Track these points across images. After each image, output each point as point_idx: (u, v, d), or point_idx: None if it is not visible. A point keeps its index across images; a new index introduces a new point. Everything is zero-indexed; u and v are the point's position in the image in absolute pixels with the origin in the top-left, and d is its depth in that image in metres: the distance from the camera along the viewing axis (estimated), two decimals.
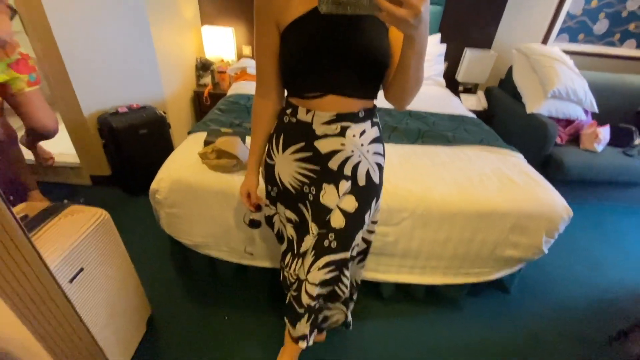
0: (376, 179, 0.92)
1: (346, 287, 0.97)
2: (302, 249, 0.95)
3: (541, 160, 2.21)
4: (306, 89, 0.82)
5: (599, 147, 2.18)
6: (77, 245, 0.91)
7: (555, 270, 1.79)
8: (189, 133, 1.57)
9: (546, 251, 1.38)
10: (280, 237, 1.09)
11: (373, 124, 0.89)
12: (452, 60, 2.83)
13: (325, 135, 0.84)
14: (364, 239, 1.02)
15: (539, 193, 1.34)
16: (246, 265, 1.44)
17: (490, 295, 1.57)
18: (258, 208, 1.06)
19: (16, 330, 0.65)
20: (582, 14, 2.66)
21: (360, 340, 1.35)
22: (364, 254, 1.07)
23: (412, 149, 1.57)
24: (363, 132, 0.86)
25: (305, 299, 0.93)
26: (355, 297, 1.16)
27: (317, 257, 0.89)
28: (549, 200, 1.32)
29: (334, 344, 1.32)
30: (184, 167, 1.28)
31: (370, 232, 1.03)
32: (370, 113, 0.88)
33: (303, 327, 0.98)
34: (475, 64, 2.67)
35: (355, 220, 0.89)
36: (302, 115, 0.85)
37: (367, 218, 0.92)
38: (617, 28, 2.72)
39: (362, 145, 0.87)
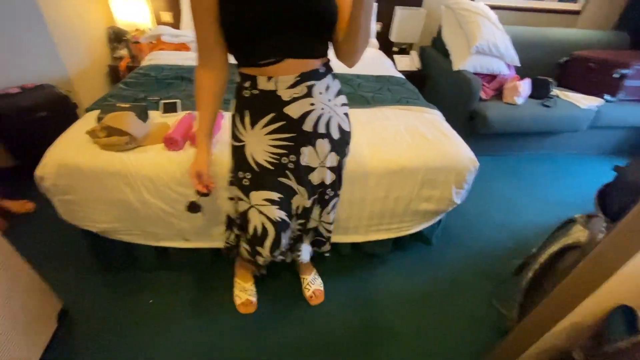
0: (347, 127, 0.99)
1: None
2: (293, 209, 1.03)
3: (467, 115, 2.30)
4: (260, 55, 0.78)
5: (519, 100, 2.29)
6: None
7: (476, 218, 1.92)
8: (86, 110, 1.42)
9: (458, 202, 1.46)
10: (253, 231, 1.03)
11: (333, 77, 0.91)
12: (386, 20, 2.78)
13: (294, 99, 0.82)
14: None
15: (448, 147, 1.38)
16: (166, 248, 1.39)
17: (414, 248, 1.66)
18: (209, 192, 0.97)
19: None
20: None
21: (287, 295, 1.37)
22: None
23: None
24: (328, 87, 0.87)
25: (327, 234, 1.21)
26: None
27: (323, 207, 1.10)
28: (456, 153, 1.36)
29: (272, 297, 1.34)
30: (71, 149, 1.16)
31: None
32: (328, 66, 0.88)
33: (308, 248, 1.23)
34: (406, 22, 2.64)
35: (340, 168, 1.03)
36: (263, 84, 0.81)
37: (345, 161, 1.05)
38: None
39: (329, 100, 0.88)
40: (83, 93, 2.13)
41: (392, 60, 2.64)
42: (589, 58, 2.49)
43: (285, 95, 0.82)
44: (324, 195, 1.05)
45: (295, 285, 1.44)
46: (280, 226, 1.00)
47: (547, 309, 0.90)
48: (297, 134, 0.88)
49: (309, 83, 0.82)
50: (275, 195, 0.95)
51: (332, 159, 0.98)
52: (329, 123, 0.91)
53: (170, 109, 1.44)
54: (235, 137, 0.93)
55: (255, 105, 0.85)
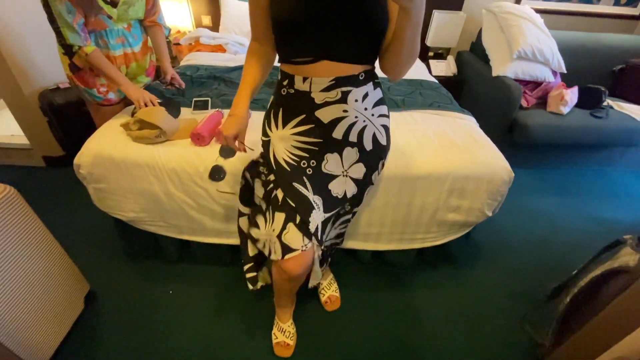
0: (383, 141, 0.92)
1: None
2: (310, 223, 0.88)
3: (507, 124, 2.16)
4: (296, 53, 0.78)
5: (565, 109, 2.11)
6: None
7: (511, 235, 1.78)
8: (125, 105, 1.51)
9: (490, 214, 1.36)
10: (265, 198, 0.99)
11: (375, 85, 0.86)
12: (423, 24, 2.70)
13: (326, 103, 0.80)
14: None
15: (479, 155, 1.29)
16: (189, 242, 1.42)
17: (440, 262, 1.57)
18: (232, 151, 0.93)
19: None
20: None
21: (307, 304, 1.35)
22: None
23: None
24: (366, 95, 0.83)
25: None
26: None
27: (334, 223, 1.03)
28: (488, 161, 1.28)
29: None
30: (107, 140, 1.23)
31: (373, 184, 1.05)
32: (371, 74, 0.84)
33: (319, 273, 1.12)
34: (444, 27, 2.55)
35: (365, 183, 0.95)
36: (299, 84, 0.81)
37: (375, 177, 0.96)
38: None
39: (365, 109, 0.84)
40: None
41: (428, 64, 2.56)
42: None
43: (319, 98, 0.80)
44: (340, 210, 0.99)
45: (313, 293, 1.41)
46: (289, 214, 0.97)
47: (587, 339, 0.80)
48: (324, 140, 0.84)
49: (344, 88, 0.79)
50: (280, 195, 0.90)
51: (359, 170, 0.91)
52: (363, 132, 0.85)
53: (200, 106, 1.49)
54: (264, 132, 0.94)
55: (289, 104, 0.84)
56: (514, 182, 1.29)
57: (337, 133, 0.83)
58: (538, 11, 2.38)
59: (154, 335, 1.24)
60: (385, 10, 0.73)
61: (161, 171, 1.19)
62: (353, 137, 0.85)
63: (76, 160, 1.20)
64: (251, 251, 1.09)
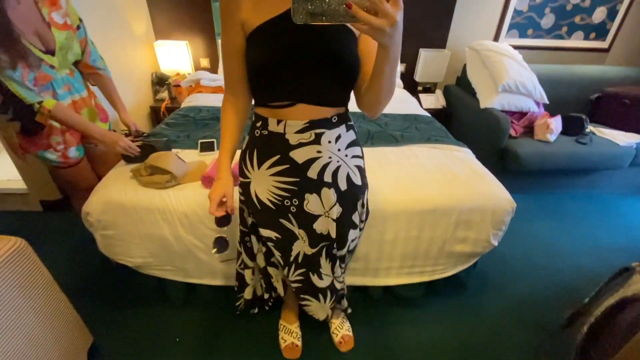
0: (357, 181, 0.93)
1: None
2: (292, 257, 0.98)
3: (498, 153, 2.25)
4: (273, 97, 0.80)
5: (552, 137, 2.23)
6: None
7: (515, 262, 1.80)
8: None
9: (496, 244, 1.39)
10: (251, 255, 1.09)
11: (348, 128, 0.89)
12: (410, 61, 2.88)
13: (300, 144, 0.83)
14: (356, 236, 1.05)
15: (482, 187, 1.34)
16: (195, 284, 1.39)
17: (449, 293, 1.56)
18: (227, 219, 0.92)
19: None
20: (528, 10, 2.75)
21: (318, 344, 1.31)
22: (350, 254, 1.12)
23: None
24: (339, 137, 0.85)
25: (341, 289, 1.12)
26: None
27: (333, 262, 1.02)
28: (491, 193, 1.32)
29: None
30: (116, 186, 1.23)
31: (361, 229, 1.07)
32: (344, 117, 0.87)
33: (325, 308, 1.10)
34: (430, 63, 2.72)
35: (344, 224, 0.95)
36: (273, 126, 0.83)
37: (356, 218, 0.97)
38: (563, 21, 2.83)
39: (339, 150, 0.86)
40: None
41: (418, 98, 2.69)
42: (623, 95, 2.43)
43: (293, 139, 0.82)
44: (330, 250, 0.97)
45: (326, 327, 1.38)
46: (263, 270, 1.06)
47: None
48: (301, 179, 0.86)
49: (317, 130, 0.81)
50: (272, 234, 0.95)
51: (337, 212, 0.92)
52: (337, 173, 0.87)
53: (207, 147, 1.52)
54: (242, 173, 0.93)
55: (264, 145, 0.86)
56: None
57: (312, 173, 0.85)
58: (516, 47, 2.57)
59: None
60: (356, 56, 0.77)
61: (172, 215, 1.19)
62: (327, 177, 0.86)
63: (85, 208, 1.19)
64: (247, 295, 1.16)
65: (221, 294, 1.42)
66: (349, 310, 1.28)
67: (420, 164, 1.47)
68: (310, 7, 0.52)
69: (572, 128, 2.34)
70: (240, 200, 0.99)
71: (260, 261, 1.07)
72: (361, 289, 1.48)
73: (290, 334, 1.28)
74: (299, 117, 0.80)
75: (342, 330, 1.34)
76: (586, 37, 2.93)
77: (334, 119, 0.83)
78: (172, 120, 1.83)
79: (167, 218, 1.20)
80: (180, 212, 1.19)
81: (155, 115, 2.57)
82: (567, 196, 2.41)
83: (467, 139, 1.86)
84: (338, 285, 1.09)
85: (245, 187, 0.93)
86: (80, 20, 1.26)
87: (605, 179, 2.41)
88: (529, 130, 2.37)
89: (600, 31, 2.90)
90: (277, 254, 0.99)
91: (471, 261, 1.45)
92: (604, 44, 2.97)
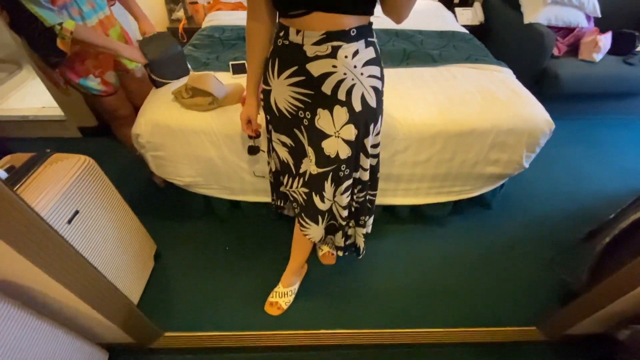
0: (373, 103, 0.91)
1: (356, 204, 1.12)
2: (301, 170, 1.02)
3: (537, 74, 2.13)
4: (290, 5, 0.79)
5: (598, 57, 2.07)
6: (67, 190, 0.96)
7: (540, 185, 1.85)
8: None
9: (527, 166, 1.42)
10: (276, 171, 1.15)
11: (368, 44, 0.86)
12: None
13: (317, 57, 0.82)
14: (370, 165, 1.04)
15: (521, 108, 1.32)
16: (239, 201, 1.52)
17: (473, 212, 1.66)
18: (257, 135, 1.12)
19: (25, 268, 0.73)
20: None
21: (351, 258, 1.47)
22: (373, 179, 1.11)
23: (396, 72, 1.52)
24: (356, 53, 0.83)
25: (339, 219, 1.09)
26: (368, 222, 1.22)
27: (337, 185, 0.98)
28: (530, 114, 1.31)
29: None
30: (162, 109, 1.27)
31: (375, 156, 1.05)
32: (364, 31, 0.83)
33: (321, 230, 1.07)
34: None
35: (357, 147, 0.94)
36: (292, 36, 0.83)
37: (368, 143, 0.95)
38: None
39: (355, 67, 0.84)
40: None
41: (454, 12, 2.46)
42: None
43: (310, 51, 0.82)
44: (338, 171, 0.96)
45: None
46: (284, 167, 1.06)
47: (627, 275, 0.90)
48: (315, 93, 0.87)
49: (334, 43, 0.80)
50: (287, 140, 1.00)
51: (350, 132, 0.90)
52: (351, 91, 0.86)
53: (239, 70, 1.49)
54: (265, 81, 0.97)
55: (284, 55, 0.87)
56: None
57: (326, 88, 0.85)
58: None
59: (218, 286, 1.38)
60: None
61: (217, 137, 1.25)
62: (342, 95, 0.86)
63: (135, 130, 1.25)
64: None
65: (263, 209, 1.55)
66: (340, 253, 1.26)
67: (458, 85, 1.43)
68: None
69: (621, 46, 2.15)
70: (263, 108, 1.04)
71: (277, 163, 1.12)
72: (389, 208, 1.58)
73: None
74: (316, 28, 0.79)
75: (326, 248, 1.46)
76: None
77: (353, 31, 0.80)
78: (197, 42, 1.76)
79: (213, 140, 1.26)
80: (225, 134, 1.24)
81: (173, 36, 2.46)
82: (599, 122, 2.34)
83: (503, 59, 1.75)
84: (337, 212, 1.07)
85: (266, 95, 0.98)
86: None
87: None
88: (573, 49, 2.19)
89: None
90: (290, 160, 1.04)
91: (499, 182, 1.51)
92: None
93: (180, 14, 2.49)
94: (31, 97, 2.32)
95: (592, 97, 2.22)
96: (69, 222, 0.96)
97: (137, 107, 1.39)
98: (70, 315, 0.96)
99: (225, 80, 1.42)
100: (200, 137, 1.25)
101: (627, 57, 2.12)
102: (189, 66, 1.44)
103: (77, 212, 0.99)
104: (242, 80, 1.41)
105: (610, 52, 2.14)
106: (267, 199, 1.47)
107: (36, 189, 0.91)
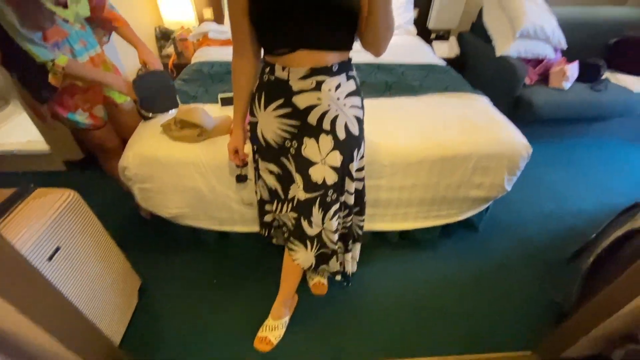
0: (355, 131, 0.97)
1: (344, 228, 1.14)
2: (289, 195, 1.03)
3: (512, 101, 2.25)
4: (276, 45, 0.85)
5: (567, 85, 2.21)
6: (49, 225, 0.94)
7: (524, 207, 1.90)
8: None
9: (509, 189, 1.46)
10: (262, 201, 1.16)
11: (349, 77, 0.92)
12: (423, 6, 2.74)
13: (302, 91, 0.87)
14: (355, 189, 1.08)
15: (500, 133, 1.38)
16: (227, 232, 1.50)
17: (462, 235, 1.68)
18: (245, 164, 1.15)
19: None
20: None
21: (343, 286, 1.45)
22: (359, 204, 1.14)
23: (379, 102, 1.58)
24: (338, 86, 0.89)
25: (330, 245, 1.07)
26: (356, 248, 1.25)
27: (325, 210, 1.00)
28: (508, 139, 1.37)
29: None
30: (150, 141, 1.28)
31: (359, 180, 1.09)
32: (345, 66, 0.90)
33: (310, 256, 1.06)
34: (445, 8, 2.60)
35: (343, 172, 0.98)
36: (278, 72, 0.88)
37: (353, 168, 1.00)
38: None
39: (338, 99, 0.90)
40: None
41: (432, 46, 2.61)
42: None
43: (296, 86, 0.87)
44: (325, 197, 0.98)
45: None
46: (272, 194, 1.07)
47: (615, 292, 0.91)
48: (301, 123, 0.92)
49: (318, 78, 0.86)
50: (275, 168, 1.02)
51: (335, 158, 0.94)
52: (335, 121, 0.91)
53: (227, 102, 1.53)
54: (252, 112, 1.01)
55: (270, 89, 0.91)
56: None
57: (312, 118, 0.90)
58: None
59: (205, 319, 1.33)
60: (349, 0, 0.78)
61: (205, 168, 1.25)
62: (326, 125, 0.91)
63: (122, 162, 1.25)
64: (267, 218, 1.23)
65: (251, 239, 1.53)
66: (338, 278, 1.25)
67: (439, 113, 1.49)
68: None
69: (588, 75, 2.31)
70: (250, 138, 1.07)
71: (264, 192, 1.12)
72: (379, 233, 1.59)
73: (271, 330, 1.27)
74: (301, 64, 0.85)
75: (317, 277, 1.44)
76: None
77: (335, 67, 0.87)
78: (187, 77, 1.82)
79: (201, 171, 1.26)
80: (214, 165, 1.25)
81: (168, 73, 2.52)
82: (577, 144, 2.45)
83: (480, 88, 1.85)
84: (327, 239, 1.06)
85: (253, 126, 1.02)
86: None
87: (616, 126, 2.42)
88: (544, 78, 2.34)
89: None
90: (278, 186, 1.05)
91: (484, 205, 1.54)
92: None
93: (170, 50, 2.57)
94: (17, 132, 2.30)
95: (566, 121, 2.34)
96: (50, 259, 0.93)
97: (125, 140, 1.39)
98: (47, 358, 0.90)
99: (213, 112, 1.46)
100: (189, 168, 1.26)
101: (594, 84, 2.27)
102: (178, 100, 1.48)
103: (58, 249, 0.96)
104: (230, 112, 1.44)
105: (579, 79, 2.29)
106: (256, 228, 1.46)
107: (17, 225, 0.88)
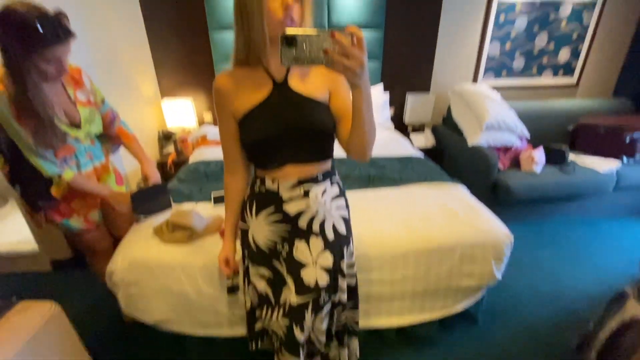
0: (343, 231, 1.02)
1: (337, 327, 1.13)
2: (281, 300, 1.02)
3: (490, 186, 2.39)
4: (267, 163, 0.95)
5: (537, 169, 2.39)
6: (28, 341, 0.90)
7: (520, 291, 1.86)
8: None
9: (499, 276, 1.46)
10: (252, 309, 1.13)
11: (332, 183, 1.01)
12: (398, 105, 3.11)
13: (291, 199, 0.95)
14: (348, 285, 1.08)
15: (480, 222, 1.45)
16: (213, 338, 1.41)
17: (461, 328, 1.60)
18: (235, 289, 1.17)
19: None
20: (500, 54, 3.05)
21: None
22: (353, 298, 1.13)
23: (363, 194, 1.68)
24: (324, 192, 0.98)
25: (319, 345, 1.06)
26: (354, 344, 1.19)
27: (316, 312, 1.00)
28: (489, 228, 1.42)
29: None
30: (140, 244, 1.30)
31: (351, 276, 1.10)
32: (328, 173, 1.00)
33: None
34: (417, 106, 2.95)
35: (335, 272, 1.01)
36: (269, 184, 0.96)
37: (344, 264, 1.03)
38: (532, 62, 3.13)
39: (325, 203, 0.98)
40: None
41: (409, 139, 2.88)
42: (597, 125, 2.64)
43: (285, 195, 0.95)
44: (318, 300, 0.99)
45: None
46: (262, 299, 1.05)
47: None
48: (292, 227, 0.97)
49: (306, 187, 0.94)
50: (266, 272, 1.03)
51: (327, 259, 0.98)
52: (324, 223, 0.98)
53: (220, 200, 1.61)
54: (243, 219, 1.06)
55: (261, 199, 0.99)
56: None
57: (302, 223, 0.96)
58: (493, 87, 2.83)
59: None
60: (327, 121, 0.91)
61: (193, 270, 1.26)
62: (316, 227, 0.97)
63: (110, 267, 1.25)
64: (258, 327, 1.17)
65: (238, 343, 1.43)
66: None
67: (420, 203, 1.58)
68: (295, 53, 0.64)
69: (555, 159, 2.52)
70: (241, 243, 1.10)
71: (254, 298, 1.10)
72: (375, 332, 1.51)
73: None
74: (289, 177, 0.94)
75: None
76: (555, 75, 3.23)
77: (320, 176, 0.97)
78: (183, 176, 1.94)
79: (189, 273, 1.26)
80: (201, 264, 1.26)
81: (162, 169, 2.68)
82: (562, 222, 2.53)
83: (459, 175, 2.00)
84: (316, 339, 1.06)
85: (244, 233, 1.06)
86: (104, 98, 1.40)
87: (594, 203, 2.54)
88: (516, 163, 2.54)
89: (567, 69, 3.21)
90: (269, 291, 1.04)
91: (478, 294, 1.51)
92: (572, 80, 3.27)
93: (170, 148, 2.78)
94: (9, 232, 2.31)
95: (545, 201, 2.46)
96: None
97: (119, 238, 1.42)
98: None
99: (205, 210, 1.52)
100: (176, 271, 1.25)
101: (562, 167, 2.46)
102: (172, 201, 1.55)
103: None
104: (222, 211, 1.51)
105: (548, 163, 2.49)
106: (243, 331, 1.39)
107: None
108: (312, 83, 0.91)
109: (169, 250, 1.27)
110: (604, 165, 2.42)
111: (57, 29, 1.01)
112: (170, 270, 1.25)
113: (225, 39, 2.61)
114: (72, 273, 2.05)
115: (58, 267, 2.09)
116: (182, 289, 1.27)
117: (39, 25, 0.97)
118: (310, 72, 0.93)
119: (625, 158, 2.47)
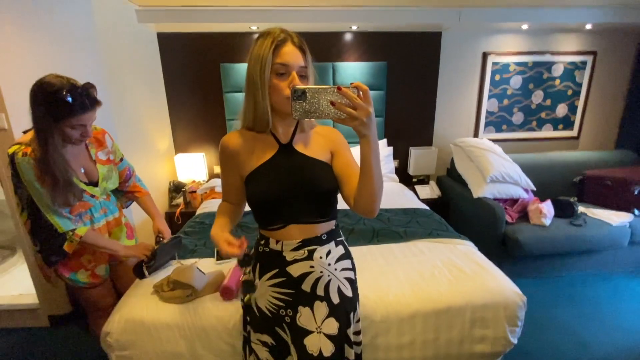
0: (349, 293, 0.99)
1: None
2: None
3: (499, 240, 2.33)
4: (270, 222, 0.96)
5: (547, 221, 2.34)
6: None
7: (544, 355, 1.71)
8: None
9: (515, 342, 1.36)
10: None
11: (337, 243, 1.01)
12: (402, 158, 3.19)
13: (295, 260, 0.95)
14: (355, 354, 1.01)
15: (489, 282, 1.39)
16: None
17: None
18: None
19: None
20: (499, 110, 3.18)
21: None
22: None
23: (368, 250, 1.66)
24: (329, 253, 0.97)
25: None
26: None
27: None
28: (499, 288, 1.36)
29: None
30: (138, 303, 1.28)
31: (358, 344, 1.03)
32: (333, 233, 1.00)
33: None
34: (421, 159, 3.01)
35: (341, 339, 0.96)
36: (272, 245, 0.97)
37: (351, 332, 0.98)
38: (531, 117, 3.24)
39: (329, 264, 0.97)
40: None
41: (414, 190, 2.90)
42: (604, 177, 2.63)
43: (289, 256, 0.95)
44: None
45: None
46: None
47: None
48: (296, 291, 0.95)
49: (309, 248, 0.94)
50: (269, 339, 0.98)
51: (331, 326, 0.94)
52: (328, 286, 0.95)
53: (224, 256, 1.60)
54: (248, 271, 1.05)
55: (265, 260, 0.99)
56: (526, 292, 1.35)
57: (306, 286, 0.94)
58: (495, 141, 2.91)
59: None
60: (331, 180, 0.93)
61: (190, 330, 1.21)
62: (320, 291, 0.95)
63: (106, 328, 1.22)
64: None
65: None
66: None
67: (426, 260, 1.54)
68: (306, 106, 0.69)
69: (564, 211, 2.48)
70: (242, 307, 1.06)
71: None
72: None
73: None
74: (293, 237, 0.95)
75: None
76: (555, 129, 3.31)
77: (324, 237, 0.97)
78: (189, 229, 1.96)
79: (185, 334, 1.21)
80: (199, 326, 1.21)
81: (170, 220, 2.72)
82: (578, 278, 2.40)
83: (466, 227, 1.97)
84: None
85: (248, 284, 1.03)
86: (122, 156, 1.48)
87: (610, 257, 2.44)
88: (524, 215, 2.50)
89: (566, 123, 3.30)
90: (269, 358, 0.98)
91: None
92: (572, 133, 3.34)
93: (179, 200, 2.84)
94: (13, 284, 2.30)
95: (558, 255, 2.36)
96: None
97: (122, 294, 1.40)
98: None
99: (208, 266, 1.51)
100: (173, 332, 1.21)
101: (572, 219, 2.41)
102: (177, 255, 1.55)
103: None
104: (224, 266, 1.50)
105: (557, 215, 2.44)
106: None
107: None
108: (314, 146, 0.97)
109: (166, 309, 1.24)
110: (616, 218, 2.37)
111: (84, 99, 1.11)
112: (167, 330, 1.21)
113: (238, 98, 2.81)
114: (69, 329, 1.98)
115: (55, 322, 2.03)
116: (177, 351, 1.22)
117: (68, 96, 1.07)
118: (312, 136, 0.98)
119: (636, 211, 2.41)
